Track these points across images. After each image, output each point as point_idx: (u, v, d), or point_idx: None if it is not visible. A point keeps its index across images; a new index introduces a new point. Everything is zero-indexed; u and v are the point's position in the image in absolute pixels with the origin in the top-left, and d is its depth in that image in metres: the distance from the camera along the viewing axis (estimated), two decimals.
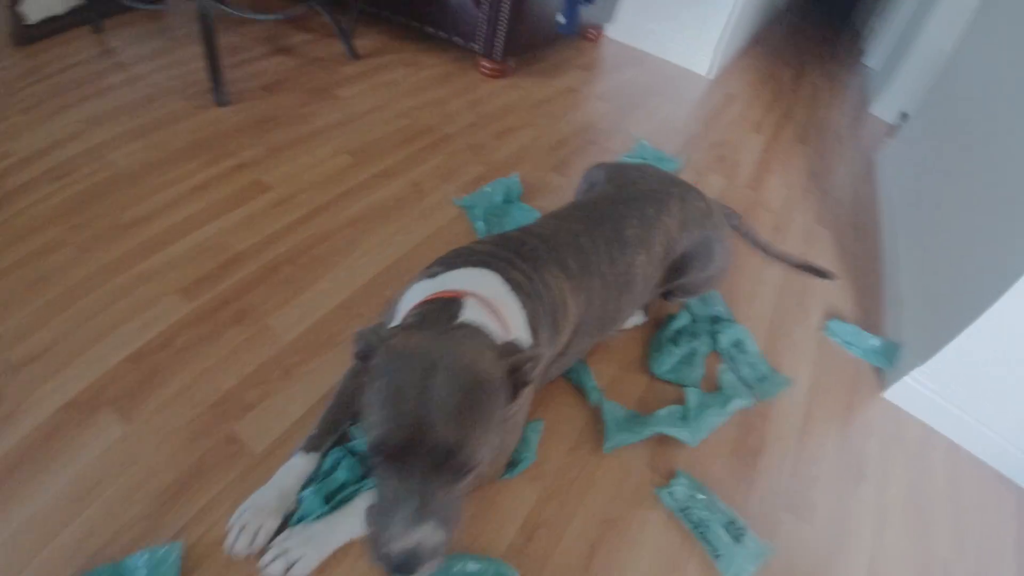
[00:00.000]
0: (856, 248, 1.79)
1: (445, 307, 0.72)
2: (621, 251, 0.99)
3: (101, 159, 1.36)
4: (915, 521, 1.09)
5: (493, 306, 0.75)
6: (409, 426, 0.56)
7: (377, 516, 0.58)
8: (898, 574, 0.99)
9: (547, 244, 0.92)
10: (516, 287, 0.81)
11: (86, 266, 1.10)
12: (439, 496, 0.57)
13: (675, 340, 1.27)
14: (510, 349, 0.65)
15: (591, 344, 1.07)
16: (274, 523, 0.79)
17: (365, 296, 1.18)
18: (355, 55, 2.08)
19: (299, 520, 0.81)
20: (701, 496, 0.99)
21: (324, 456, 0.88)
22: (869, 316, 1.52)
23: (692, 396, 1.15)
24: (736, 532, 0.95)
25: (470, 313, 0.71)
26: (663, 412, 1.10)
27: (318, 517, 0.81)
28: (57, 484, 0.80)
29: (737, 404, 1.16)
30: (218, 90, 1.62)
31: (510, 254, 0.87)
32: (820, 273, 1.58)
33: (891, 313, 1.54)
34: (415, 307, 0.75)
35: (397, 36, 2.33)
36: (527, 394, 0.85)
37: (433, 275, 0.82)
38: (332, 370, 1.02)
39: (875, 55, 3.74)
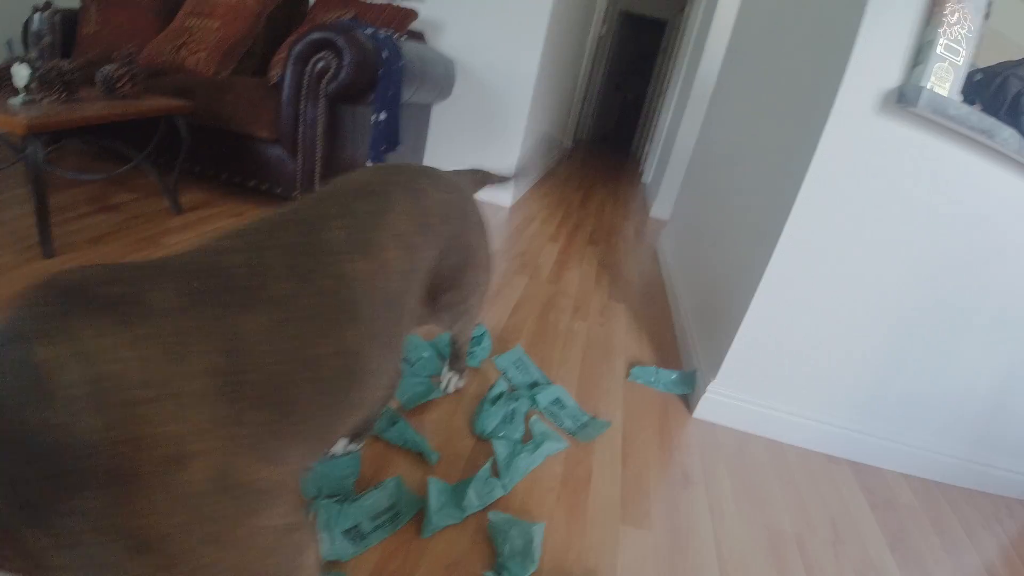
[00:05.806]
0: (647, 311, 2.09)
1: None
2: (318, 259, 0.62)
3: None
4: (751, 508, 1.19)
5: None
6: None
7: None
8: (749, 554, 1.07)
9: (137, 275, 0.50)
10: None
11: None
12: None
13: (495, 403, 1.38)
14: None
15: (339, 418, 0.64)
16: None
17: None
18: (180, 209, 2.16)
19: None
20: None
21: None
22: (667, 358, 1.75)
23: (500, 448, 1.22)
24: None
25: None
26: (478, 475, 1.13)
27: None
28: None
29: (549, 447, 1.25)
30: (46, 244, 1.66)
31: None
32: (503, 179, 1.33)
33: (684, 351, 1.78)
34: None
35: (220, 191, 2.49)
36: None
37: None
38: None
39: (648, 173, 4.59)
